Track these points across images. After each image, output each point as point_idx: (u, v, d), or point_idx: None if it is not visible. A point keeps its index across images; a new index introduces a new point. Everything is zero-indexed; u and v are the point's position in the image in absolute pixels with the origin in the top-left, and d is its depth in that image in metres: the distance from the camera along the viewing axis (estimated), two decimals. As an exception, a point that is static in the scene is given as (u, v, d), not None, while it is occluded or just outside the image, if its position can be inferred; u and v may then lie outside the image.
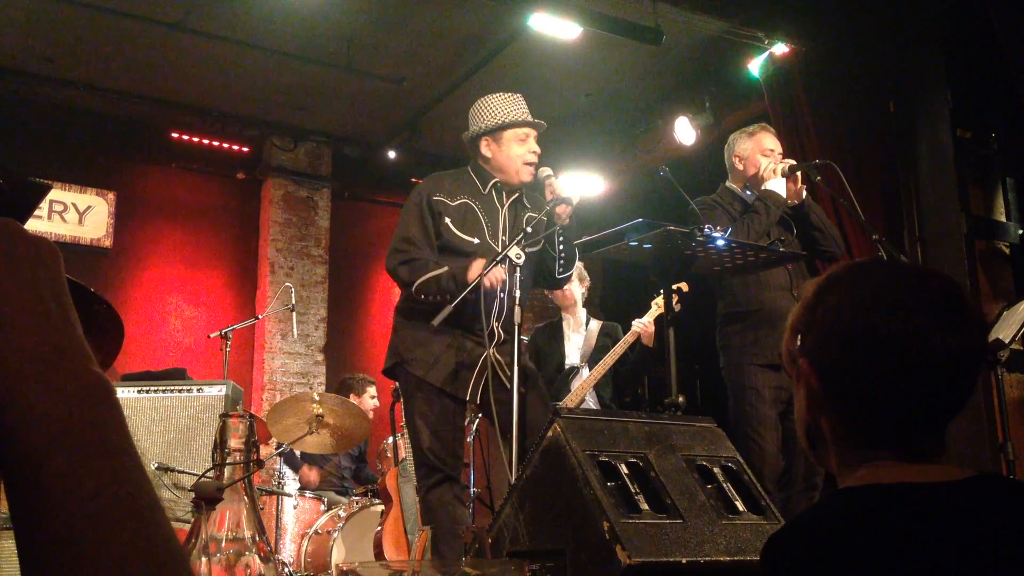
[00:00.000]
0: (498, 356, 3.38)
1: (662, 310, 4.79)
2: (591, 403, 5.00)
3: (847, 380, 1.14)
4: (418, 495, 3.44)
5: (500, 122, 3.47)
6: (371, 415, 5.97)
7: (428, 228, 3.43)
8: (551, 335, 5.22)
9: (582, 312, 5.24)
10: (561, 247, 3.41)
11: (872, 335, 1.11)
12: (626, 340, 4.93)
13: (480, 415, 4.39)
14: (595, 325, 5.24)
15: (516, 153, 3.47)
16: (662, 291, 4.75)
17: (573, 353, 5.15)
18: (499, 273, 3.22)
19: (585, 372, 5.06)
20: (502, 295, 3.34)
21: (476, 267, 3.25)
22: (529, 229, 3.26)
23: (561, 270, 3.49)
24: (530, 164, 3.47)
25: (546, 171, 3.46)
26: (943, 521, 1.04)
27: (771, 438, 3.72)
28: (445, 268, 3.31)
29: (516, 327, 3.11)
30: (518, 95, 3.57)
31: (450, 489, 3.31)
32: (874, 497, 1.09)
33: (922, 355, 1.10)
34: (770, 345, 3.78)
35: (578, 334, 5.19)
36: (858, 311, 1.13)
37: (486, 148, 3.51)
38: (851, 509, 1.09)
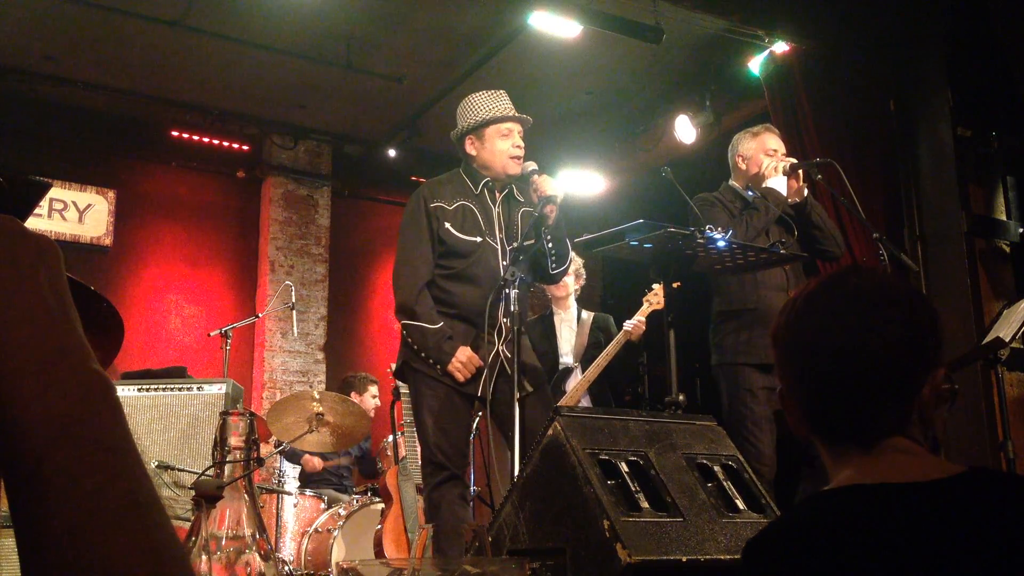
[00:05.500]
0: (507, 352, 3.40)
1: (654, 306, 4.80)
2: (585, 403, 4.98)
3: (793, 383, 1.24)
4: (422, 493, 3.45)
5: (481, 119, 3.50)
6: (372, 414, 5.97)
7: (430, 238, 3.47)
8: (544, 332, 5.18)
9: (573, 306, 5.21)
10: (550, 245, 3.44)
11: (793, 341, 1.23)
12: (618, 340, 4.91)
13: (479, 414, 4.40)
14: (587, 316, 5.21)
15: (500, 148, 3.49)
16: (653, 287, 4.78)
17: (566, 353, 5.13)
18: (470, 366, 3.37)
19: (579, 373, 5.04)
20: (510, 291, 3.35)
21: (460, 354, 3.36)
22: (526, 244, 3.35)
23: (554, 266, 3.54)
24: (515, 158, 3.49)
25: (530, 166, 3.48)
26: (924, 523, 1.04)
27: (766, 438, 3.72)
28: (439, 325, 3.40)
29: (516, 331, 3.13)
30: (501, 91, 3.59)
31: (455, 488, 3.33)
32: (853, 499, 1.09)
33: (839, 355, 1.17)
34: (763, 345, 3.78)
35: (570, 330, 5.17)
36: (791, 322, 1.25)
37: (470, 147, 3.54)
38: (828, 511, 1.10)
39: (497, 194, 3.55)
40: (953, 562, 1.01)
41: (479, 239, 3.46)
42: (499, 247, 3.49)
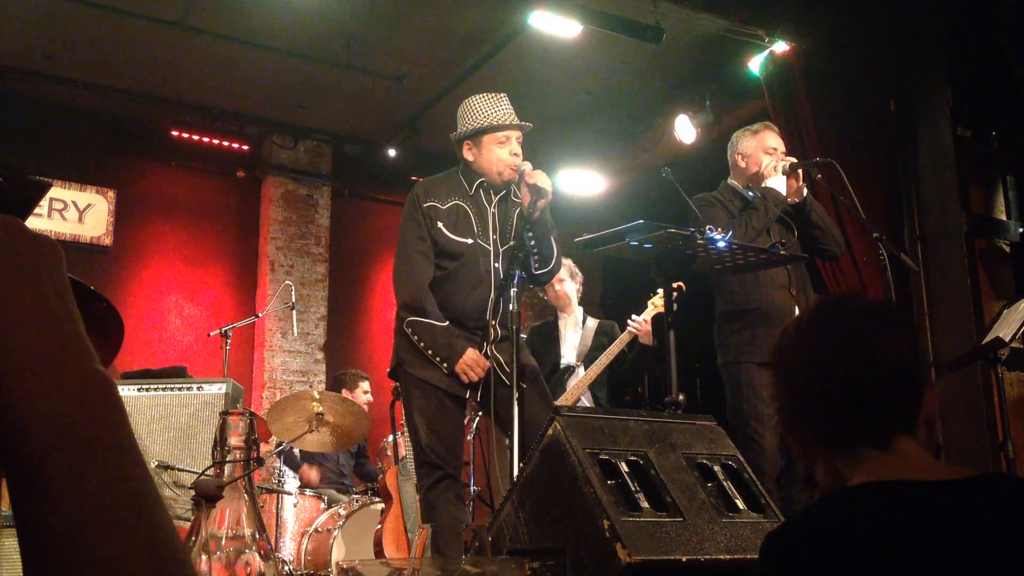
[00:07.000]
0: (497, 354, 3.39)
1: (659, 309, 4.77)
2: (585, 403, 4.97)
3: (799, 400, 1.32)
4: (419, 493, 3.45)
5: (478, 126, 3.46)
6: (366, 409, 5.98)
7: (426, 239, 3.45)
8: (546, 335, 5.18)
9: (578, 310, 5.20)
10: (532, 243, 3.38)
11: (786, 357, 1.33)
12: (621, 340, 4.89)
13: (479, 414, 4.40)
14: (592, 323, 5.20)
15: (497, 157, 3.45)
16: (660, 290, 4.76)
17: (569, 353, 5.11)
18: (478, 368, 3.34)
19: (581, 372, 5.03)
20: (508, 291, 3.34)
21: (468, 355, 3.34)
22: (529, 242, 3.32)
23: (537, 266, 3.48)
24: (512, 166, 3.46)
25: (524, 165, 3.44)
26: (944, 520, 1.06)
27: (769, 436, 3.72)
28: (447, 324, 3.37)
29: (513, 330, 3.13)
30: (502, 95, 3.53)
31: (451, 487, 3.32)
32: (875, 494, 1.11)
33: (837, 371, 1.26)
34: (767, 344, 3.77)
35: (574, 333, 5.15)
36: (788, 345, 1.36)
37: (468, 152, 3.51)
38: (851, 506, 1.11)
39: (493, 195, 3.53)
40: (975, 560, 1.03)
41: (470, 240, 3.43)
42: (492, 248, 3.46)
